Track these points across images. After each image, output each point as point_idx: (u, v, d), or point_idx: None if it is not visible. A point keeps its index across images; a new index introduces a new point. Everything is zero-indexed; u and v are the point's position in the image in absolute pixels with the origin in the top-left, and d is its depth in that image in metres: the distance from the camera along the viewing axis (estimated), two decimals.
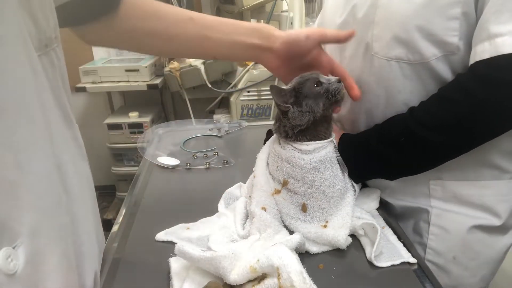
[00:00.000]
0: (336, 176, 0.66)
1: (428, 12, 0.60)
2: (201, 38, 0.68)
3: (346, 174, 0.69)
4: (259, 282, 0.53)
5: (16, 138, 0.35)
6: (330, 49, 0.80)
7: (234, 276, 0.53)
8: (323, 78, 0.66)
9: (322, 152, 0.65)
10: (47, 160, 0.39)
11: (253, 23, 0.71)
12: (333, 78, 0.66)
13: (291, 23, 1.81)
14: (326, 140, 0.67)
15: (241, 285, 0.54)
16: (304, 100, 0.65)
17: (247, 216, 0.71)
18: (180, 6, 1.84)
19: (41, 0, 0.40)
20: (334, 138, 0.69)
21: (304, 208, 0.66)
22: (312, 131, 0.66)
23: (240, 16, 2.10)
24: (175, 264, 0.60)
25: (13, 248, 0.33)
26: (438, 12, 0.60)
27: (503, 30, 0.55)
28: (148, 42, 0.70)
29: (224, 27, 0.68)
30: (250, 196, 0.72)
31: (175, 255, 0.58)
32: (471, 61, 0.59)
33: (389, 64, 0.66)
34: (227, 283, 0.54)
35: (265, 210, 0.67)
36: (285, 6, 1.82)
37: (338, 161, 0.67)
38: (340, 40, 0.68)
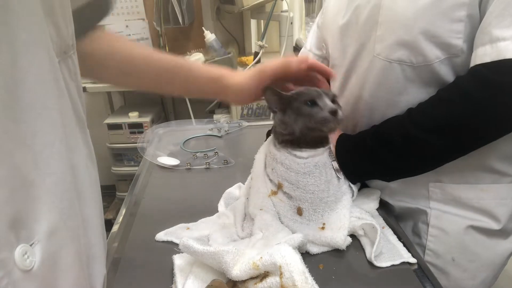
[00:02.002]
0: (330, 181, 0.66)
1: (433, 14, 0.60)
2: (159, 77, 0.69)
3: (341, 179, 0.68)
4: (261, 280, 0.53)
5: (37, 140, 0.36)
6: (332, 50, 0.79)
7: (236, 272, 0.53)
8: (322, 102, 0.62)
9: (317, 158, 0.65)
10: (63, 163, 0.40)
11: (212, 71, 0.70)
12: (329, 107, 0.61)
13: (291, 23, 1.80)
14: (321, 149, 0.66)
15: (243, 282, 0.54)
16: (289, 111, 0.64)
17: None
18: (180, 6, 1.84)
19: (63, 9, 0.41)
20: (330, 144, 0.68)
21: (299, 212, 0.66)
22: (302, 140, 0.64)
23: (240, 16, 2.11)
24: (179, 260, 0.60)
25: (30, 245, 0.34)
26: (443, 14, 0.59)
27: (506, 35, 0.54)
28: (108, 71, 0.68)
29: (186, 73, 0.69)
30: (247, 198, 0.72)
31: (179, 251, 0.59)
32: (472, 64, 0.59)
33: (391, 66, 0.66)
34: (231, 280, 0.55)
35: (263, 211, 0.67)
36: (285, 6, 1.82)
37: (332, 166, 0.67)
38: (290, 69, 0.66)
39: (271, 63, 0.67)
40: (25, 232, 0.34)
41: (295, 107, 0.63)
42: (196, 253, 0.56)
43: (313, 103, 0.62)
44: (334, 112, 0.61)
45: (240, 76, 0.69)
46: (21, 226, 0.33)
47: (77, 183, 0.43)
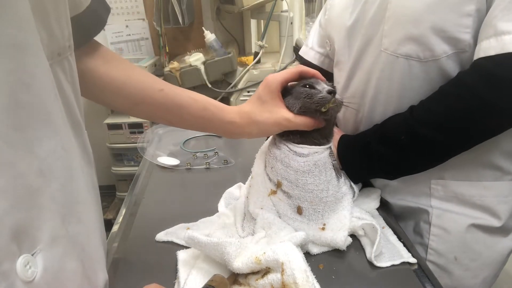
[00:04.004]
0: (329, 181, 0.65)
1: (442, 9, 0.59)
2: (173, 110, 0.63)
3: (341, 180, 0.68)
4: (262, 277, 0.53)
5: (42, 146, 0.35)
6: (338, 46, 0.79)
7: (238, 264, 0.54)
8: (320, 85, 0.62)
9: (317, 157, 0.64)
10: (65, 168, 0.39)
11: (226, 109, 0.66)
12: (327, 88, 0.61)
13: (291, 23, 1.80)
14: (323, 146, 0.65)
15: (244, 278, 0.55)
16: (288, 97, 0.63)
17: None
18: (179, 6, 1.84)
19: (58, 13, 0.41)
20: (331, 144, 0.68)
21: (299, 211, 0.66)
22: (303, 132, 0.64)
23: (240, 16, 2.11)
24: (182, 256, 0.61)
25: (32, 255, 0.34)
26: (452, 9, 0.59)
27: (511, 28, 0.54)
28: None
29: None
30: (247, 197, 0.72)
31: (179, 250, 0.60)
32: (475, 57, 0.59)
33: (397, 61, 0.65)
34: (232, 276, 0.55)
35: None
36: (285, 6, 1.82)
37: (333, 165, 0.66)
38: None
39: (278, 77, 0.63)
40: (28, 242, 0.33)
41: (294, 92, 0.63)
42: (200, 244, 0.56)
43: (311, 87, 0.62)
44: (331, 92, 0.61)
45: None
46: (24, 236, 0.33)
47: (76, 188, 0.42)
